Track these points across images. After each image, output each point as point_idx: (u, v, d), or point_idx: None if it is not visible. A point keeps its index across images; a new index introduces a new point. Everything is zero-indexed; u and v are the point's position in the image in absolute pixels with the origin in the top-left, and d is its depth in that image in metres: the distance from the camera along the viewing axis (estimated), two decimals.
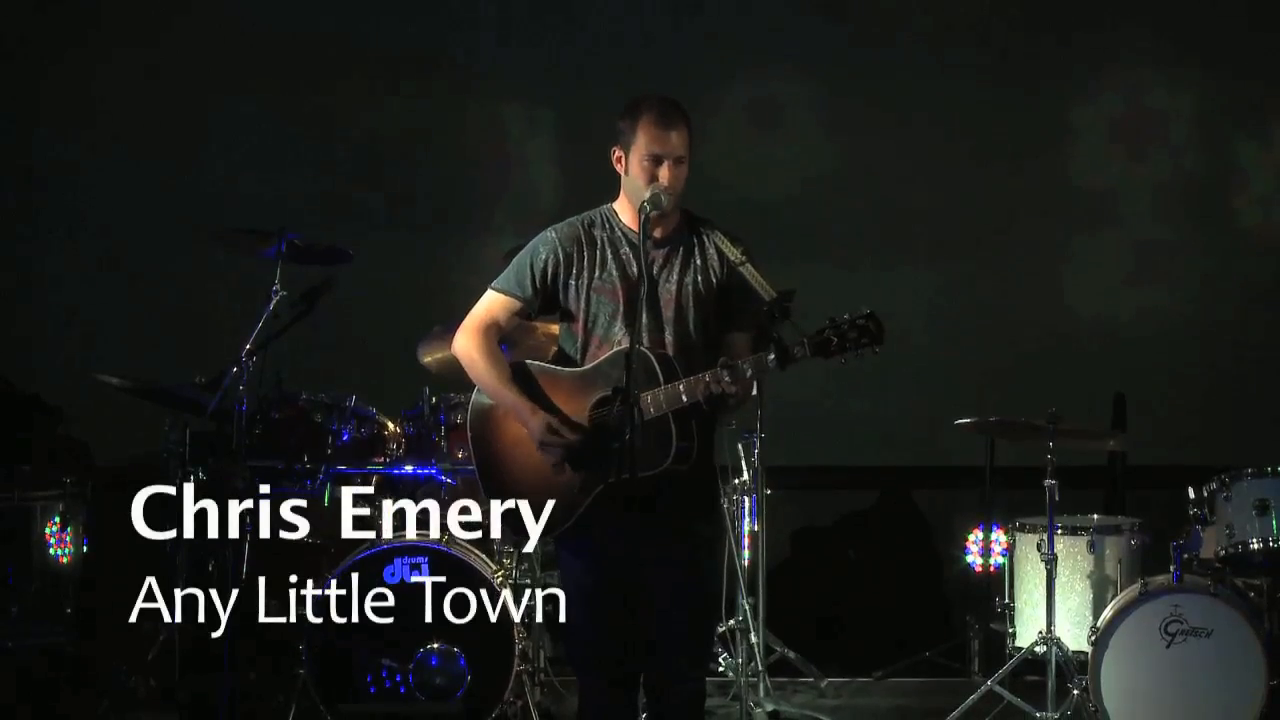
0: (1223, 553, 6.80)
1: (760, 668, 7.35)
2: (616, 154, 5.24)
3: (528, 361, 5.33)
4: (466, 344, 5.30)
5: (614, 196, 5.36)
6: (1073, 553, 7.10)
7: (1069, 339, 8.85)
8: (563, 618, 5.41)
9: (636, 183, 5.17)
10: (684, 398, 5.02)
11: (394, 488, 7.12)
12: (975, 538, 8.19)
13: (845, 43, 8.88)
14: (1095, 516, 7.34)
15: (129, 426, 7.91)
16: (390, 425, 7.11)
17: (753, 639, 7.29)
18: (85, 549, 7.43)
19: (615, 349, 5.16)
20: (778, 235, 8.17)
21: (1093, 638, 6.71)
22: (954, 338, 8.78)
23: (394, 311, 8.41)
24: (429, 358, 7.08)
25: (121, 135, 8.76)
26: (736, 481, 7.47)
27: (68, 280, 8.80)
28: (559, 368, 5.27)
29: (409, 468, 7.01)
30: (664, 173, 5.15)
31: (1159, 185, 8.92)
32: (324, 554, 7.14)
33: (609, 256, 5.24)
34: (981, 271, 8.87)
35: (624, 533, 5.05)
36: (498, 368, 5.27)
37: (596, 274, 5.24)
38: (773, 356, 4.95)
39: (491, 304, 5.32)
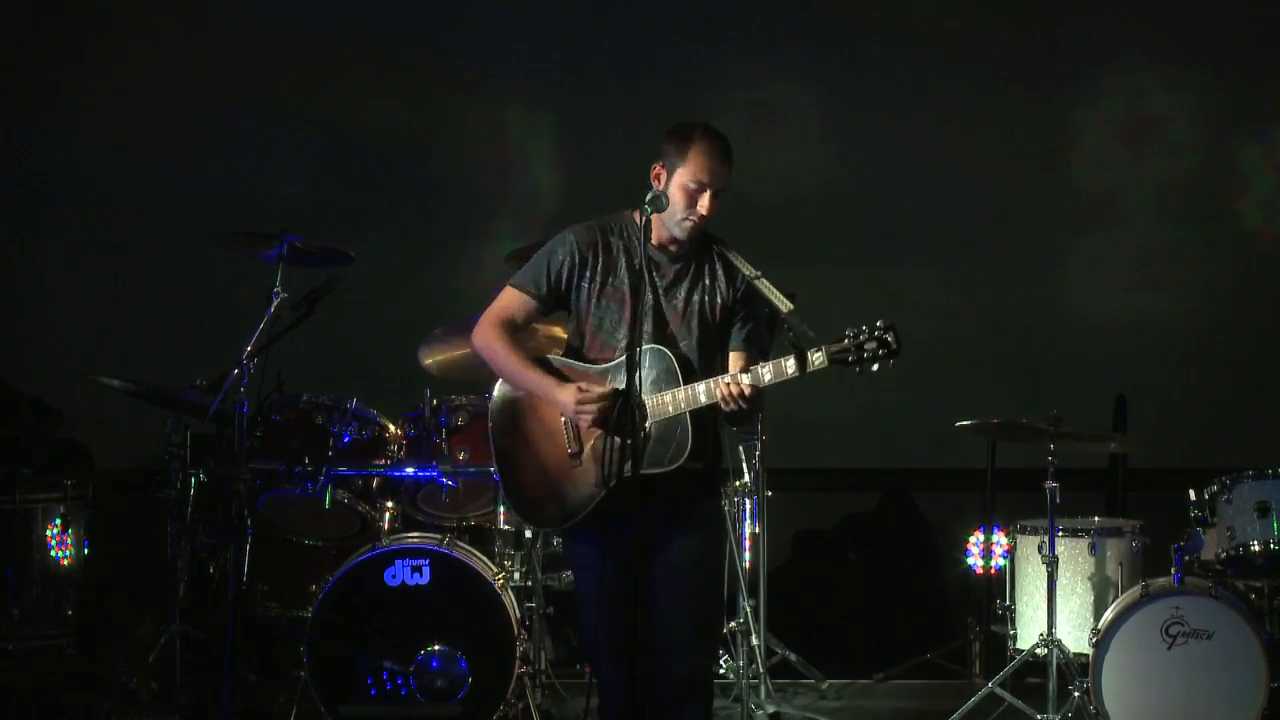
0: (1223, 555, 6.81)
1: (761, 669, 7.35)
2: (656, 171, 5.29)
3: (549, 355, 5.38)
4: (486, 336, 5.37)
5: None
6: (1074, 555, 7.10)
7: (1070, 341, 8.85)
8: (577, 608, 5.42)
9: (673, 203, 5.24)
10: (703, 398, 5.12)
11: (395, 490, 7.11)
12: (976, 540, 8.18)
13: (845, 45, 8.88)
14: (1096, 518, 7.33)
15: (130, 429, 7.92)
16: (391, 427, 7.10)
17: (754, 641, 7.29)
18: (86, 551, 7.44)
19: (639, 349, 5.18)
20: (777, 237, 8.16)
21: (1094, 639, 6.71)
22: (955, 340, 8.78)
23: (395, 314, 8.42)
24: (430, 360, 7.08)
25: (122, 137, 8.76)
26: (737, 484, 7.46)
27: (69, 283, 8.81)
28: (578, 362, 5.33)
29: (410, 470, 7.00)
30: (705, 201, 5.24)
31: (1160, 187, 8.92)
32: (325, 556, 7.16)
33: (622, 264, 5.30)
34: (982, 274, 8.87)
35: (635, 522, 5.06)
36: (519, 356, 5.33)
37: (609, 279, 5.30)
38: (792, 363, 5.05)
39: (509, 299, 5.39)
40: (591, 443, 5.23)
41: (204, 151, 8.77)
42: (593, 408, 5.17)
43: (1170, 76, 8.91)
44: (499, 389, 5.43)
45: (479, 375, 7.10)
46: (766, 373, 5.09)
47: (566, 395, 5.21)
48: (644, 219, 5.16)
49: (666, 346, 5.22)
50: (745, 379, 5.09)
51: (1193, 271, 8.90)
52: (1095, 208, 8.91)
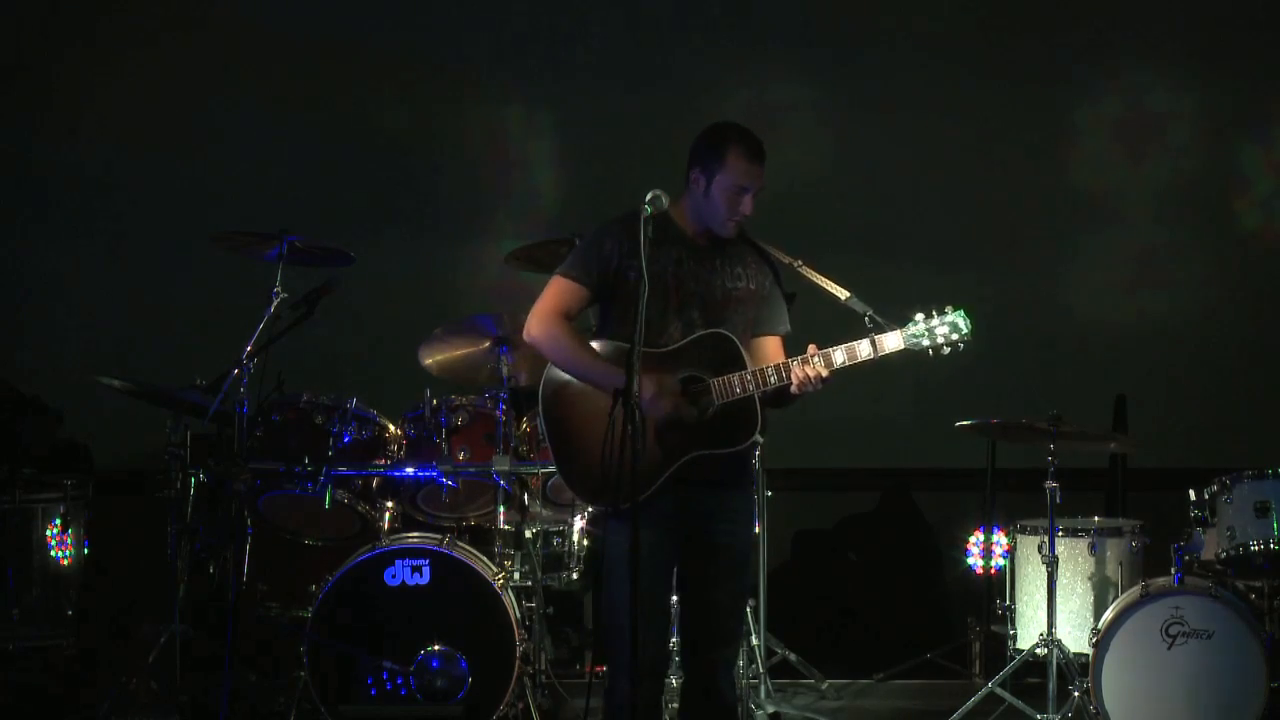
0: (1223, 554, 6.80)
1: (761, 670, 7.35)
2: (694, 175, 5.40)
3: (610, 342, 5.41)
4: (546, 328, 5.41)
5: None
6: (1074, 555, 7.10)
7: (1070, 341, 8.85)
8: (617, 576, 5.44)
9: (716, 207, 5.38)
10: (773, 380, 5.26)
11: (395, 490, 7.11)
12: (976, 540, 8.18)
13: (845, 44, 8.88)
14: (1096, 518, 7.33)
15: (130, 429, 7.92)
16: (391, 427, 7.10)
17: (754, 641, 7.28)
18: (86, 551, 7.43)
19: (701, 332, 5.34)
20: (776, 237, 8.14)
21: (1094, 639, 6.71)
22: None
23: (395, 313, 8.41)
24: (430, 360, 7.08)
25: (123, 137, 8.76)
26: None
27: (69, 282, 8.80)
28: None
29: (410, 470, 7.00)
30: (747, 203, 5.38)
31: (1160, 187, 8.91)
32: (325, 556, 7.16)
33: (667, 255, 5.37)
34: (982, 273, 8.86)
35: (687, 505, 5.30)
36: (584, 346, 5.41)
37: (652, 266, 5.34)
38: (866, 346, 5.24)
39: (562, 290, 5.45)
40: (653, 425, 5.28)
41: (204, 151, 8.77)
42: (668, 401, 5.26)
43: (1170, 76, 8.91)
44: (549, 374, 5.46)
45: (479, 375, 7.11)
46: (839, 355, 5.25)
47: (645, 390, 5.23)
48: (644, 216, 5.18)
49: (724, 330, 5.34)
50: (819, 361, 5.22)
51: (1193, 272, 8.90)
52: (1095, 208, 8.91)
